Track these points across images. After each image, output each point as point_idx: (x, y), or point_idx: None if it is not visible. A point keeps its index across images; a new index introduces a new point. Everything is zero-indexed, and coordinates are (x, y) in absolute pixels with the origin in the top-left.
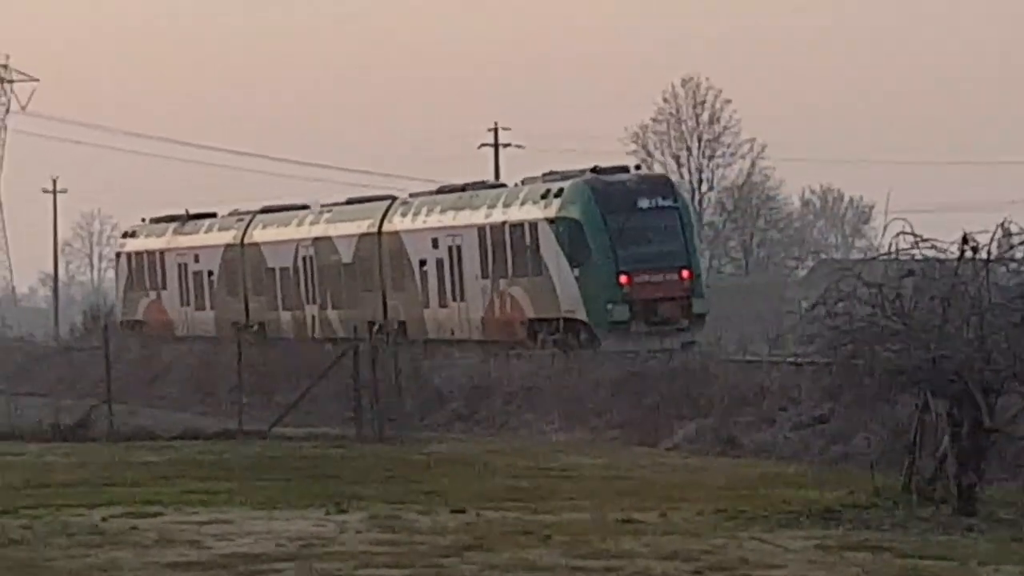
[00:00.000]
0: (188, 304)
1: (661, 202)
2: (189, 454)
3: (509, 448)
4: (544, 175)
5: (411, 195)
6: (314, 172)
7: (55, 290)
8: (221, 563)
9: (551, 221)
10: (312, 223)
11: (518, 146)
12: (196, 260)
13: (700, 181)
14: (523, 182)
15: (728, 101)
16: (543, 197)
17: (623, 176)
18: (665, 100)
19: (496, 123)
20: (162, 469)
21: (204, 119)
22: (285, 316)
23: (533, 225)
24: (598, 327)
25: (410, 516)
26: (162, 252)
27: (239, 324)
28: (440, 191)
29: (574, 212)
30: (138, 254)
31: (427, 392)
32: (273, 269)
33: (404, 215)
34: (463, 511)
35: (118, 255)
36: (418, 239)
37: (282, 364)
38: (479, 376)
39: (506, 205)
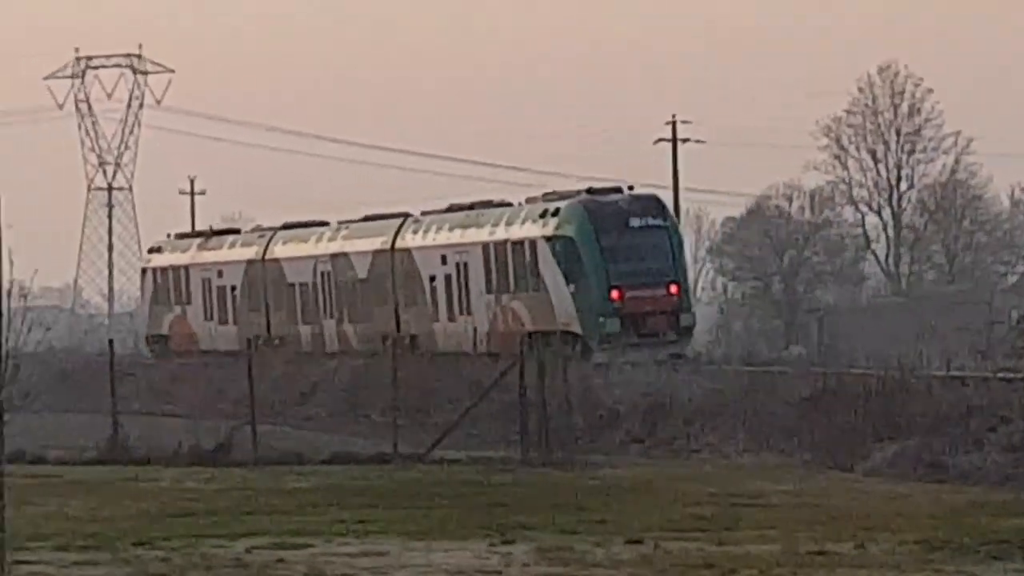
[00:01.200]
0: (212, 319)
1: (651, 221)
2: (340, 479)
3: (690, 472)
4: (544, 195)
5: (423, 213)
6: (472, 170)
7: None
8: None
9: (548, 239)
10: (330, 240)
11: (698, 141)
12: (220, 275)
13: (899, 179)
14: (526, 201)
15: (930, 91)
16: (541, 216)
17: (616, 196)
18: (860, 90)
19: (674, 116)
20: (311, 496)
21: (353, 113)
22: (304, 330)
23: (532, 243)
24: (591, 339)
25: (582, 547)
26: (187, 268)
27: (260, 338)
28: (449, 209)
29: (569, 231)
30: (163, 270)
31: (599, 411)
32: (293, 284)
33: (415, 232)
34: (640, 542)
35: (144, 271)
36: (428, 256)
37: (441, 382)
38: (656, 393)
39: (508, 224)
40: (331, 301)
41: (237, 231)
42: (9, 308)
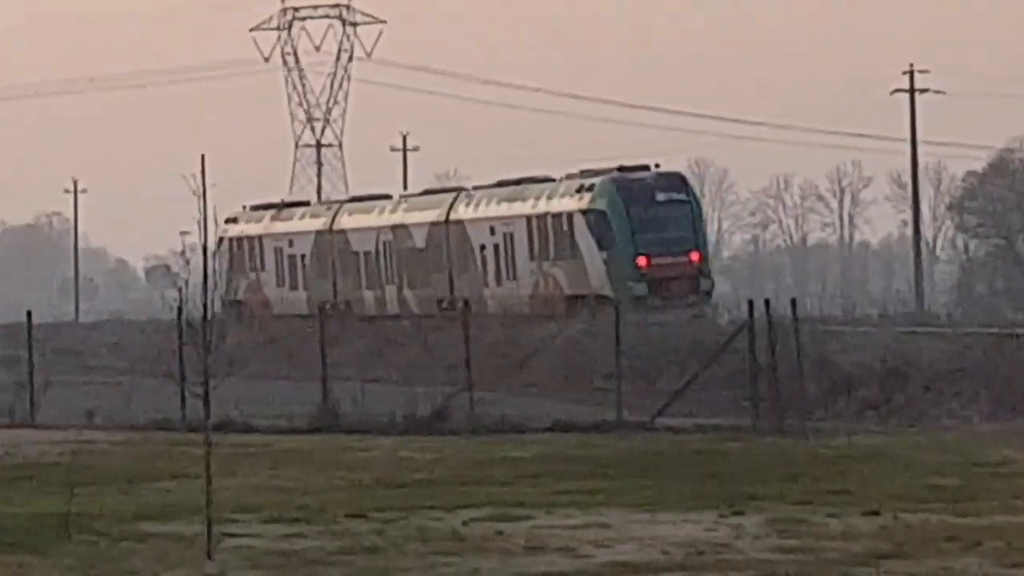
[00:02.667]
0: (283, 285)
1: (675, 196)
2: (561, 449)
3: (928, 440)
4: (581, 172)
5: (474, 188)
6: (696, 123)
7: None
8: (598, 572)
9: (584, 212)
10: (391, 212)
11: (937, 91)
12: (291, 244)
13: None
14: (566, 177)
15: None
16: (578, 191)
17: (644, 174)
18: None
19: (912, 65)
20: (530, 466)
21: (571, 65)
22: (368, 295)
23: (570, 215)
24: (620, 302)
25: (816, 519)
26: (260, 237)
27: (327, 302)
28: (499, 184)
29: (602, 204)
30: (239, 239)
31: (833, 377)
32: (357, 253)
33: (468, 205)
34: (877, 513)
35: (220, 239)
36: (479, 227)
37: (666, 346)
38: (893, 358)
39: (549, 198)
40: (392, 268)
41: (307, 203)
42: (215, 271)
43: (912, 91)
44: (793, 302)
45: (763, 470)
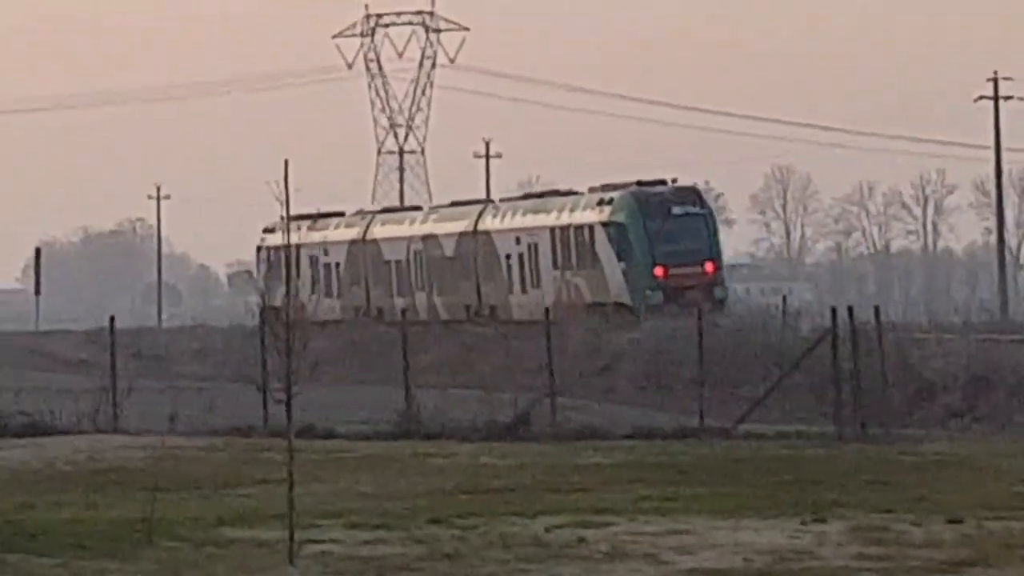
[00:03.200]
0: (318, 292)
1: (691, 209)
2: (643, 455)
3: (1014, 448)
4: (602, 186)
5: (501, 200)
6: (789, 131)
7: None
8: None
9: (604, 224)
10: (422, 222)
11: (1021, 99)
12: (325, 253)
13: None
14: (588, 191)
15: None
16: (598, 204)
17: (661, 188)
18: None
19: (996, 73)
20: (613, 472)
21: (654, 71)
22: (399, 302)
23: (591, 227)
24: (638, 310)
25: (899, 527)
26: (297, 246)
27: (360, 309)
28: (524, 197)
29: (621, 217)
30: (276, 248)
31: (917, 384)
32: (389, 262)
33: (494, 217)
34: (961, 521)
35: (258, 248)
36: (505, 237)
37: (748, 352)
38: (977, 366)
39: (571, 210)
40: (422, 276)
41: (341, 214)
42: (298, 275)
43: (996, 98)
44: (876, 309)
45: (846, 477)
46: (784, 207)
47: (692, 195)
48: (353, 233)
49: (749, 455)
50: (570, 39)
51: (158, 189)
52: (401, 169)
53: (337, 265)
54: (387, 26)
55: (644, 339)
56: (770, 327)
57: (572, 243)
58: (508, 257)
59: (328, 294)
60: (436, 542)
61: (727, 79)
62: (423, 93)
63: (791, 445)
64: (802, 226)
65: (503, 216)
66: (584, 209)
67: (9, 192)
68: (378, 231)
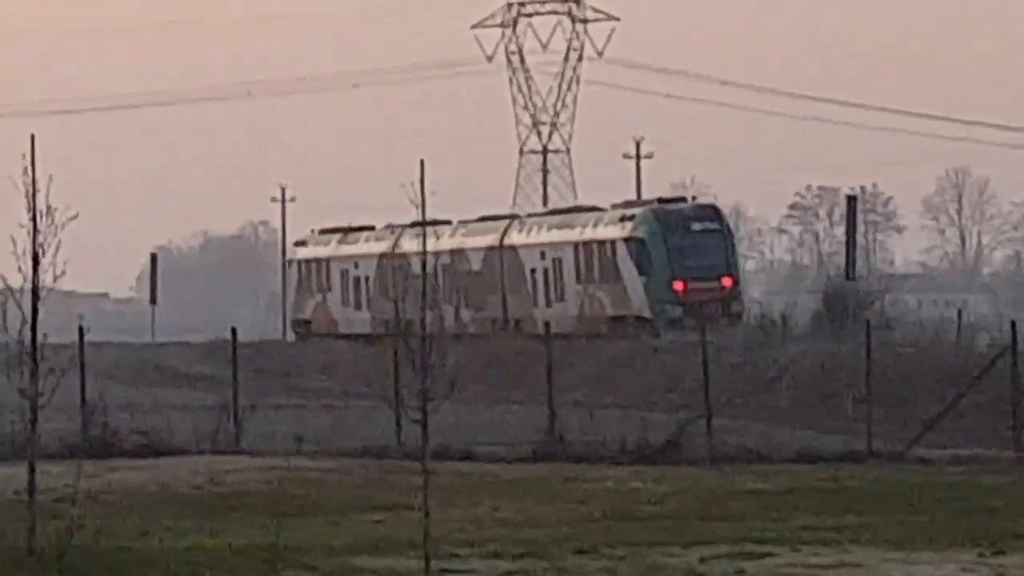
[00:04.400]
0: (348, 305)
1: (709, 226)
2: (806, 480)
3: None
4: (625, 203)
5: (528, 215)
6: (965, 131)
7: None
8: None
9: (626, 240)
10: (450, 236)
11: None
12: (356, 267)
13: None
14: (611, 208)
15: None
16: (620, 220)
17: (681, 205)
18: None
19: None
20: (773, 499)
21: (817, 67)
22: (427, 315)
23: (613, 243)
24: (658, 323)
25: None
26: (328, 260)
27: (389, 322)
28: (550, 213)
29: (642, 233)
30: (307, 261)
31: None
32: (418, 275)
33: (520, 231)
34: None
35: (290, 262)
36: (530, 252)
37: (920, 370)
38: None
39: (595, 226)
40: (450, 290)
41: (372, 228)
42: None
43: None
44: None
45: None
46: (959, 212)
47: (711, 212)
48: (383, 246)
49: (922, 481)
50: (725, 31)
51: (283, 190)
52: (544, 170)
53: (367, 278)
54: (530, 16)
55: (806, 355)
56: (944, 342)
57: (595, 258)
58: (533, 271)
59: (358, 307)
60: (583, 573)
61: (896, 76)
62: (569, 88)
63: (967, 471)
64: (978, 233)
65: (528, 231)
66: (607, 225)
67: (123, 195)
68: (407, 245)
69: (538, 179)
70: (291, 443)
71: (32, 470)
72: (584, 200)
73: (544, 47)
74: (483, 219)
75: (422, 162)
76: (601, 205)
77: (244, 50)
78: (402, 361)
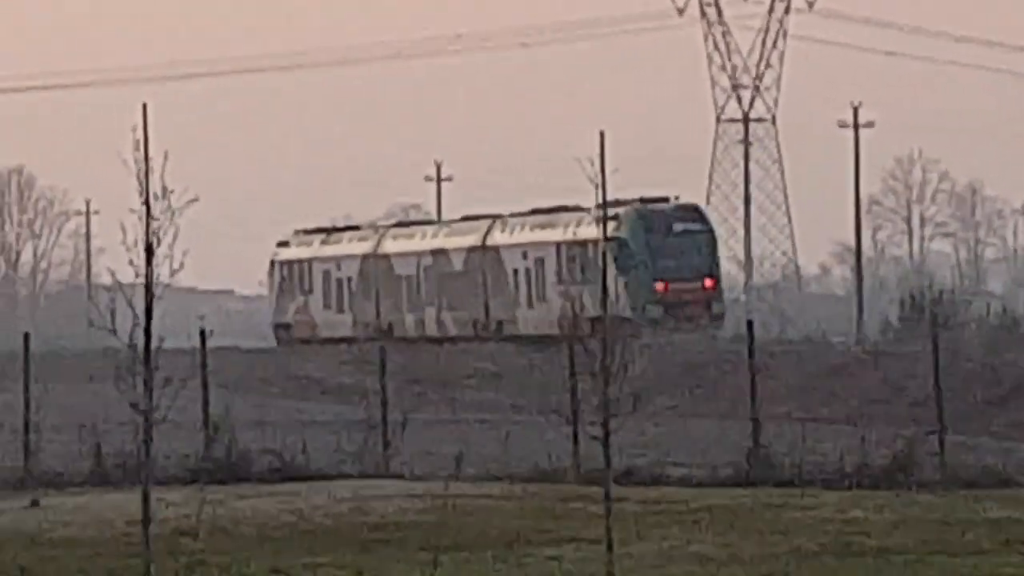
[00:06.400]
0: (330, 307)
1: (691, 227)
2: None
3: None
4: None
5: (510, 215)
6: None
7: (858, 269)
8: None
9: (607, 240)
10: (432, 236)
11: None
12: (338, 268)
13: None
14: (594, 207)
15: None
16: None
17: (663, 205)
18: None
19: None
20: (1019, 530)
21: None
22: (408, 317)
23: (594, 243)
24: (639, 323)
25: None
26: (310, 261)
27: (370, 325)
28: (532, 212)
29: (623, 233)
30: (289, 262)
31: None
32: (400, 276)
33: (502, 231)
34: None
35: (272, 263)
36: (512, 252)
37: None
38: None
39: (576, 226)
40: (432, 291)
41: (356, 228)
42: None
43: None
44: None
45: None
46: None
47: (693, 213)
48: (365, 247)
49: None
50: None
51: (438, 168)
52: (746, 141)
53: (349, 280)
54: None
55: None
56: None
57: (576, 258)
58: (515, 272)
59: (340, 310)
60: None
61: None
62: (774, 46)
63: None
64: None
65: (511, 231)
66: (588, 225)
67: (250, 176)
68: (389, 245)
69: (738, 152)
70: (449, 465)
71: (147, 497)
72: (792, 176)
73: None
74: (466, 219)
75: (602, 133)
76: (612, 200)
77: (390, 4)
78: (580, 369)
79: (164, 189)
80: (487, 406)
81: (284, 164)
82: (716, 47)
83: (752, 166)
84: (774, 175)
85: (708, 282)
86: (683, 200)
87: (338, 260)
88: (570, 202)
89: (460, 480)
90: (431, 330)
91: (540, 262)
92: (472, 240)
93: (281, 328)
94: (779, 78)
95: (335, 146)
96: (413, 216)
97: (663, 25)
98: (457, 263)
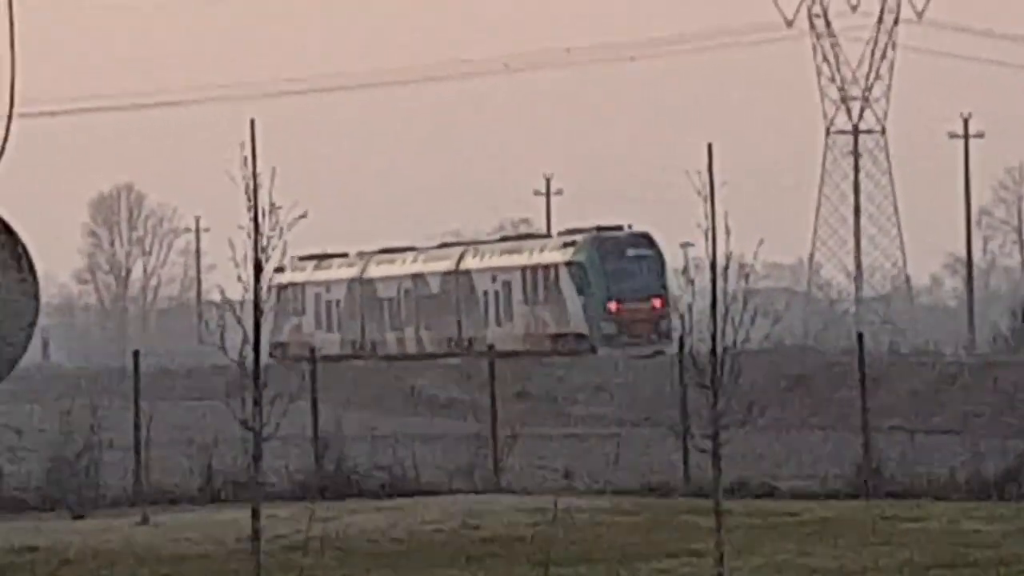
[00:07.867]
0: (320, 328)
1: (643, 252)
2: None
3: None
4: (568, 230)
5: (481, 242)
6: None
7: (968, 280)
8: None
9: (567, 264)
10: (412, 262)
11: None
12: (328, 291)
13: None
14: (557, 235)
15: None
16: (563, 247)
17: (617, 232)
18: None
19: None
20: None
21: None
22: (390, 336)
23: (556, 267)
24: (594, 340)
25: None
26: (303, 285)
27: (356, 343)
28: (502, 239)
29: (581, 258)
30: (284, 286)
31: None
32: (383, 299)
33: (474, 257)
34: None
35: (270, 287)
36: (482, 276)
37: None
38: None
39: (540, 251)
40: (411, 312)
41: (345, 255)
42: (724, 293)
43: None
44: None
45: None
46: None
47: (644, 239)
48: (353, 272)
49: None
50: None
51: (547, 182)
52: (856, 153)
53: (337, 302)
54: None
55: None
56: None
57: (540, 281)
58: (485, 293)
59: (329, 329)
60: None
61: None
62: (883, 57)
63: None
64: None
65: (482, 256)
66: (551, 251)
67: (355, 190)
68: (373, 270)
69: (848, 164)
70: (560, 479)
71: (256, 514)
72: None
73: (854, 8)
74: (443, 245)
75: (710, 146)
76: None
77: (499, 17)
78: (690, 382)
79: (272, 205)
80: (596, 420)
81: (394, 178)
82: (825, 59)
83: (862, 178)
84: (884, 187)
85: (657, 302)
86: (636, 228)
87: (328, 284)
88: (578, 225)
89: (570, 494)
90: (410, 348)
91: (507, 284)
92: (447, 265)
93: (278, 347)
94: (888, 89)
95: (445, 161)
96: (523, 230)
97: (772, 38)
98: (434, 286)
